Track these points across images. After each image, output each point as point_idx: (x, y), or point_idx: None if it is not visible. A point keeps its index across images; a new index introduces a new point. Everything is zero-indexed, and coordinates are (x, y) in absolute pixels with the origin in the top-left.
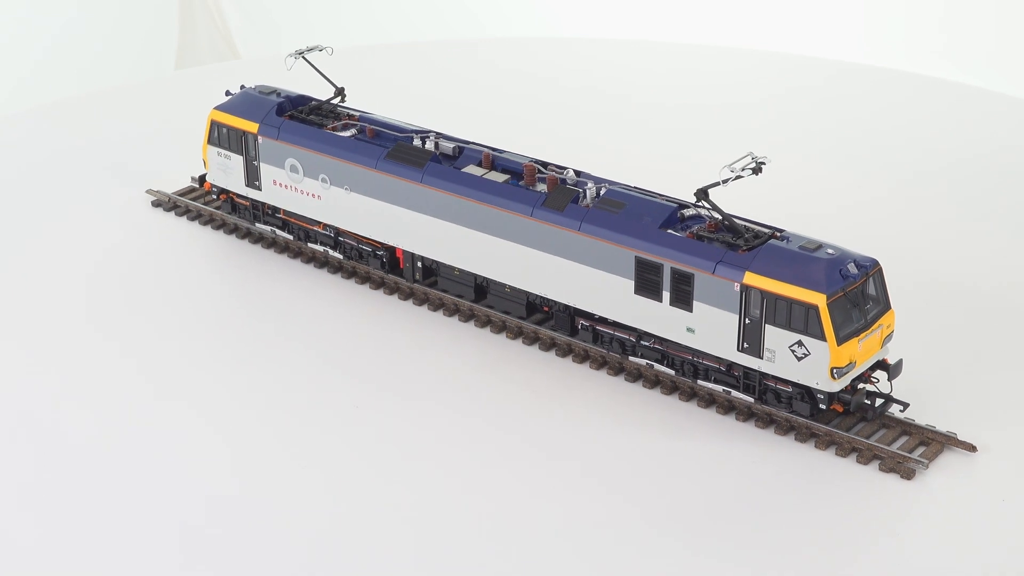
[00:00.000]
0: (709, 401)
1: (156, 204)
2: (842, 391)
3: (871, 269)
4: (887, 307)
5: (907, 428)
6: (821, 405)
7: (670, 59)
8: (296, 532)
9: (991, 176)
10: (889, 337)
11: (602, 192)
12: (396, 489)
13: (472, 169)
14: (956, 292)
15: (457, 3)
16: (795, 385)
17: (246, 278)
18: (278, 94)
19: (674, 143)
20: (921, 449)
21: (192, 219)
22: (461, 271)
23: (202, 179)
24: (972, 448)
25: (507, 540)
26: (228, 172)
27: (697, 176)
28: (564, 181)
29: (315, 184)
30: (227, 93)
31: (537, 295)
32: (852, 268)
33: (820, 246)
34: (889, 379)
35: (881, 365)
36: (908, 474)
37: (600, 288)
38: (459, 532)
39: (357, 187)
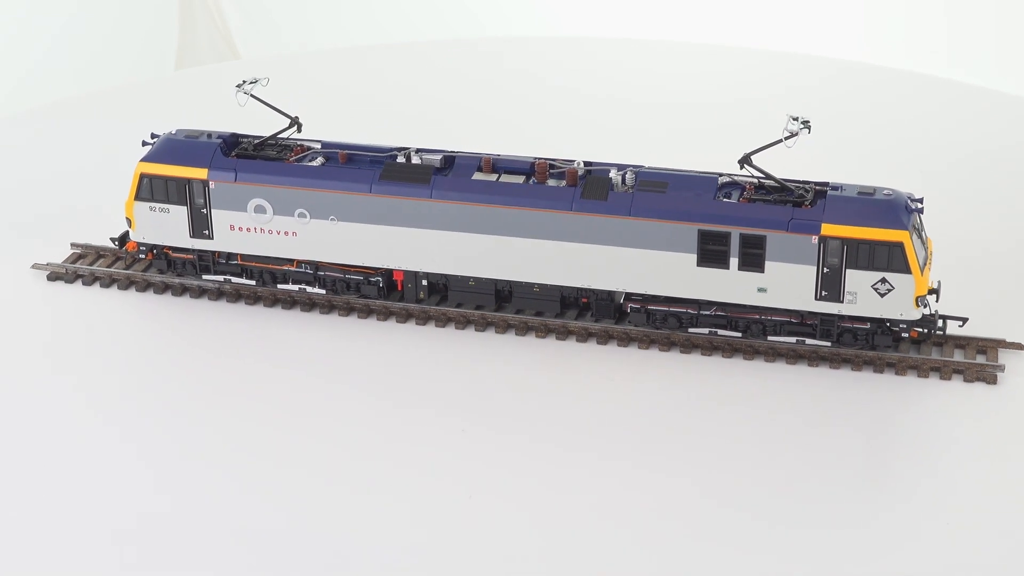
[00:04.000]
0: (774, 355)
1: (53, 277)
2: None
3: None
4: (927, 236)
5: (958, 342)
6: (904, 335)
7: (669, 58)
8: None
9: (992, 175)
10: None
11: (627, 176)
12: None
13: (481, 176)
14: (957, 259)
15: (457, 2)
16: (872, 321)
17: (220, 333)
18: (210, 135)
19: (674, 141)
20: (981, 357)
21: (106, 286)
22: (477, 280)
23: (123, 240)
24: (1020, 347)
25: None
26: (165, 227)
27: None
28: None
29: (290, 221)
30: (144, 143)
31: (577, 288)
32: (910, 204)
33: (875, 190)
34: (936, 300)
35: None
36: (992, 379)
37: (657, 268)
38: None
39: (347, 215)
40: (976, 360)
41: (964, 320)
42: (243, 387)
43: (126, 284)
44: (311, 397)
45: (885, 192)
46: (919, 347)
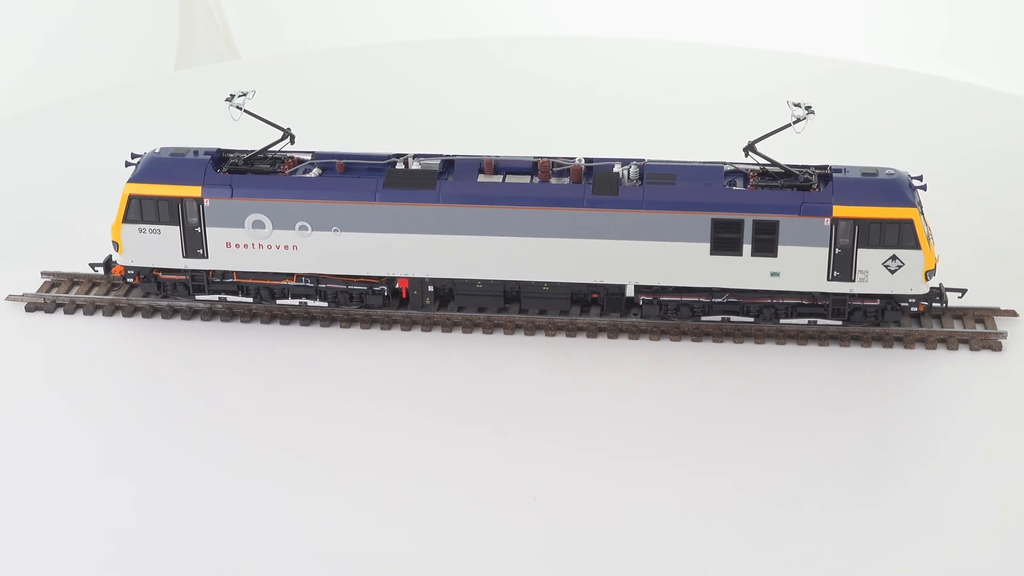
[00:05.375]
0: (784, 337)
1: (32, 308)
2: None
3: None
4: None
5: (955, 313)
6: (913, 309)
7: (668, 57)
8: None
9: (992, 174)
10: None
11: (633, 170)
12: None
13: (486, 178)
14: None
15: (456, 1)
16: (882, 298)
17: (219, 354)
18: (196, 152)
19: (672, 140)
20: (979, 326)
21: (89, 313)
22: (484, 283)
23: (107, 265)
24: (1014, 313)
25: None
26: (156, 248)
27: None
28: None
29: (290, 235)
30: (126, 164)
31: (588, 284)
32: (913, 181)
33: (877, 171)
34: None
35: None
36: (996, 347)
37: (670, 259)
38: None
39: (350, 225)
40: (977, 329)
41: (963, 291)
42: (254, 410)
43: (111, 310)
44: (326, 416)
45: (888, 172)
46: (920, 320)
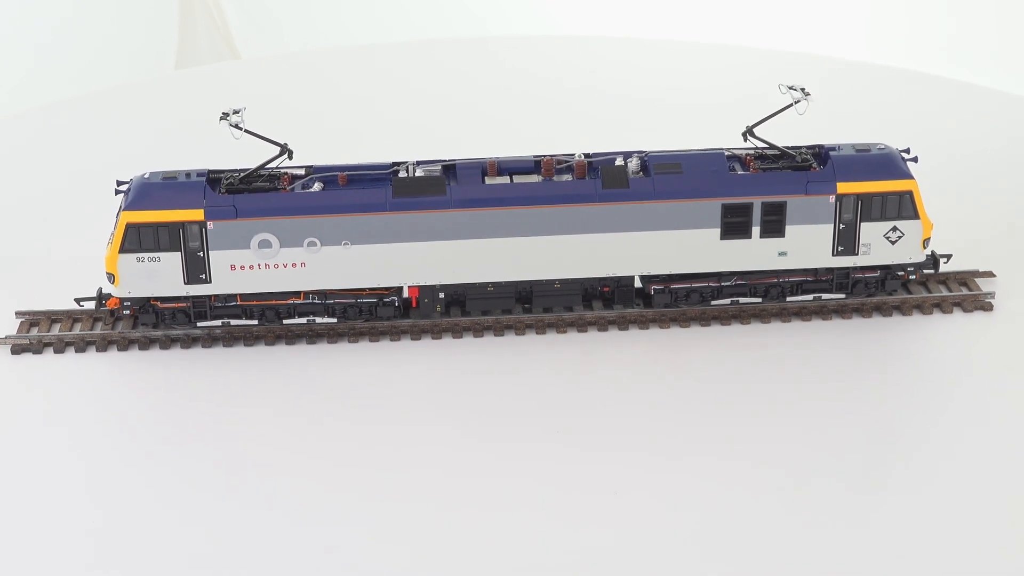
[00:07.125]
0: (789, 314)
1: (18, 350)
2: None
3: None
4: None
5: (939, 278)
6: (912, 276)
7: (669, 57)
8: None
9: (992, 174)
10: None
11: (635, 162)
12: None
13: (493, 179)
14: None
15: (457, 1)
16: (881, 269)
17: (226, 382)
18: (188, 175)
19: (674, 140)
20: (963, 288)
21: (81, 350)
22: (496, 285)
23: (100, 298)
24: (992, 274)
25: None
26: (155, 276)
27: None
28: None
29: (298, 252)
30: (116, 192)
31: (600, 278)
32: (903, 155)
33: (870, 147)
34: None
35: None
36: (988, 307)
37: (681, 246)
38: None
39: (360, 238)
40: (963, 292)
41: (948, 256)
42: (278, 440)
43: (104, 345)
44: (354, 439)
45: (879, 147)
46: (908, 287)
